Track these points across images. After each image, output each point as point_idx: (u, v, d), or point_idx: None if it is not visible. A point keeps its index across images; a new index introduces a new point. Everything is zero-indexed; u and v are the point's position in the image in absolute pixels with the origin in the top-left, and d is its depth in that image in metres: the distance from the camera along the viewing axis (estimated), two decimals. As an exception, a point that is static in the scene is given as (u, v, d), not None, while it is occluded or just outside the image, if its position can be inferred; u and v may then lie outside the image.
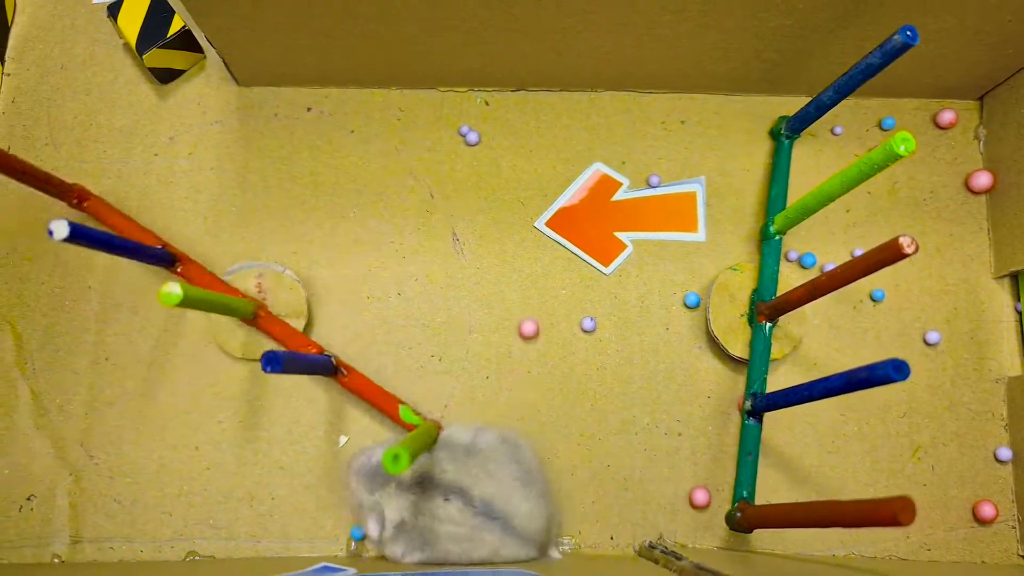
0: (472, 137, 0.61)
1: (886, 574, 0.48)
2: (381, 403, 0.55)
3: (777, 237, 0.56)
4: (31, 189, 0.60)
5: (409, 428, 0.54)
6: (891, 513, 0.34)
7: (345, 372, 0.55)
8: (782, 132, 0.59)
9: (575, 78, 0.61)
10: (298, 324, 0.56)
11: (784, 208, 0.57)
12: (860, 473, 0.56)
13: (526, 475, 0.51)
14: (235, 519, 0.55)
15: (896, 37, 0.45)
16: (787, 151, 0.59)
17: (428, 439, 0.50)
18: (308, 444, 0.56)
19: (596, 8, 0.53)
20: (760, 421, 0.55)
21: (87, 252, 0.59)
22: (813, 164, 0.62)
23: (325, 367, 0.53)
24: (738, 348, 0.56)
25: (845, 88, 0.51)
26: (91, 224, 0.57)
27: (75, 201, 0.55)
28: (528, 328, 0.57)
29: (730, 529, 0.54)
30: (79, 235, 0.43)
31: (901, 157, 0.42)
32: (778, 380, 0.58)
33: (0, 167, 0.48)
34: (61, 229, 0.42)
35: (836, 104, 0.54)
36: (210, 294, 0.46)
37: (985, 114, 0.62)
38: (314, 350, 0.55)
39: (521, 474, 0.51)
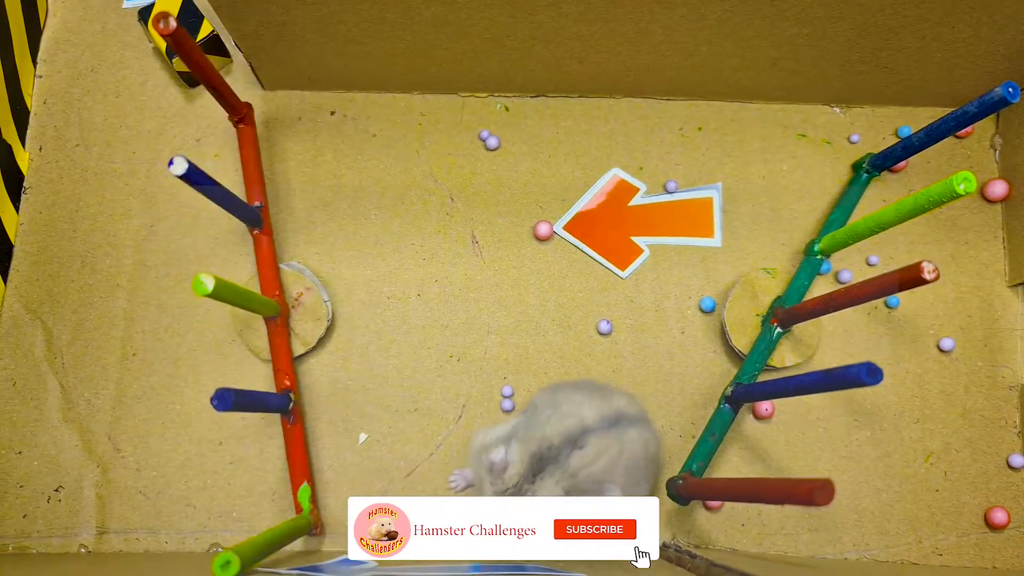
0: (492, 142, 0.62)
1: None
2: (294, 468, 0.55)
3: (819, 256, 0.57)
4: (61, 189, 0.61)
5: (297, 507, 0.54)
6: (808, 492, 0.36)
7: (292, 420, 0.55)
8: (864, 166, 0.60)
9: (594, 85, 0.62)
10: (299, 347, 0.57)
11: (839, 228, 0.57)
12: (873, 478, 0.57)
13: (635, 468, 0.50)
14: (257, 513, 0.56)
15: (997, 91, 0.46)
16: (863, 185, 0.60)
17: (279, 541, 0.47)
18: (329, 441, 0.57)
19: (616, 16, 0.54)
20: (735, 410, 0.55)
21: (116, 250, 0.60)
22: (830, 172, 0.62)
23: (278, 405, 0.53)
24: (742, 343, 0.57)
25: (937, 133, 0.51)
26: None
27: (236, 119, 0.57)
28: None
29: (668, 496, 0.54)
30: (192, 175, 0.45)
31: (959, 196, 0.42)
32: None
33: (204, 79, 0.50)
34: (180, 165, 0.44)
35: (925, 148, 0.54)
36: (240, 289, 0.47)
37: (1001, 124, 0.62)
38: (288, 382, 0.55)
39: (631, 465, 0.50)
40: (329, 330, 0.58)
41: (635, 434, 0.50)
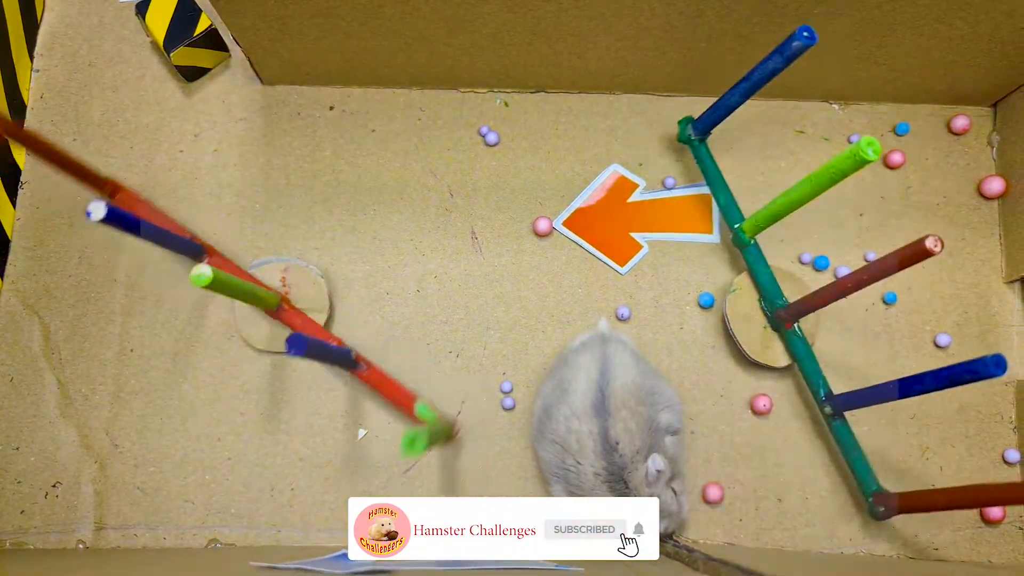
0: (491, 137, 0.62)
1: (895, 572, 0.49)
2: (398, 398, 0.56)
3: (752, 242, 0.56)
4: (58, 184, 0.61)
5: (423, 423, 0.55)
6: None
7: (364, 366, 0.56)
8: (691, 136, 0.58)
9: (594, 80, 0.62)
10: (320, 319, 0.57)
11: (738, 212, 0.57)
12: (870, 473, 0.57)
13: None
14: (256, 508, 0.56)
15: (796, 42, 0.45)
16: (706, 153, 0.58)
17: (445, 434, 0.50)
18: (328, 436, 0.57)
19: (615, 12, 0.54)
20: (844, 419, 0.54)
21: (113, 246, 0.60)
22: (827, 168, 0.62)
23: (345, 359, 0.54)
24: (777, 359, 0.57)
25: (750, 91, 0.51)
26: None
27: (108, 193, 0.56)
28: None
29: (877, 519, 0.53)
30: (115, 217, 0.44)
31: (868, 162, 0.41)
32: (789, 380, 0.58)
33: (40, 154, 0.49)
34: (99, 211, 0.43)
35: (740, 105, 0.53)
36: (239, 280, 0.47)
37: (998, 120, 0.63)
38: (335, 343, 0.56)
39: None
40: (327, 324, 0.58)
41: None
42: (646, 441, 0.50)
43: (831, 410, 0.54)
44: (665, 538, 0.53)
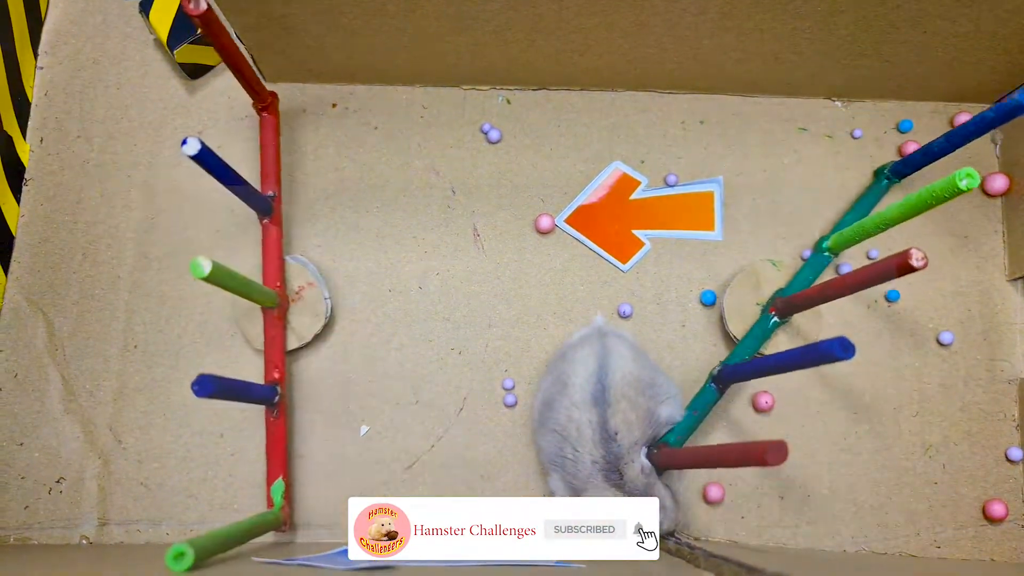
0: (494, 135, 0.62)
1: (896, 570, 0.49)
2: (271, 462, 0.54)
3: (827, 254, 0.57)
4: (62, 181, 0.61)
5: (269, 501, 0.54)
6: (762, 453, 0.37)
7: (276, 414, 0.54)
8: (885, 173, 0.59)
9: (596, 78, 0.62)
10: (294, 342, 0.57)
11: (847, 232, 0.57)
12: (872, 471, 0.57)
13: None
14: (258, 504, 0.56)
15: (1016, 97, 0.46)
16: (882, 191, 0.60)
17: (245, 534, 0.47)
18: (330, 433, 0.57)
19: (617, 9, 0.54)
20: (720, 391, 0.55)
21: (117, 242, 0.60)
22: (831, 163, 0.62)
23: (262, 397, 0.52)
24: (739, 329, 0.57)
25: (957, 139, 0.52)
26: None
27: (261, 106, 0.57)
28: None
29: (649, 461, 0.53)
30: (205, 156, 0.45)
31: (962, 192, 0.42)
32: (792, 378, 0.58)
33: (231, 63, 0.51)
34: (193, 145, 0.44)
35: (946, 154, 0.54)
36: (238, 276, 0.47)
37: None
38: (277, 374, 0.55)
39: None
40: (328, 326, 0.58)
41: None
42: (645, 432, 0.50)
43: (717, 374, 0.55)
44: (667, 535, 0.53)
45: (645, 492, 0.50)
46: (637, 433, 0.50)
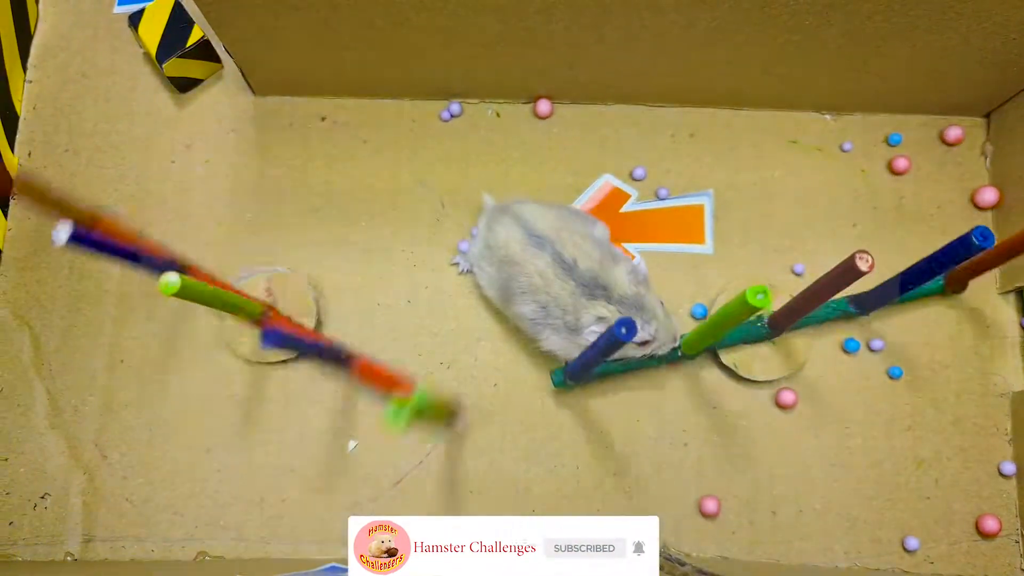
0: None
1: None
2: (395, 386, 0.51)
3: (695, 355, 0.56)
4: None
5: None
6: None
7: (355, 360, 0.52)
8: (850, 308, 0.57)
9: (585, 91, 0.62)
10: (308, 323, 0.57)
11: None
12: (864, 486, 0.57)
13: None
14: (245, 521, 0.56)
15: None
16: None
17: (442, 413, 0.48)
18: (318, 448, 0.57)
19: (607, 22, 0.54)
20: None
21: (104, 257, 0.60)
22: (821, 178, 0.62)
23: (332, 352, 0.51)
24: (754, 371, 0.57)
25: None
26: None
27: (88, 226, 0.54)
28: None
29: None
30: (80, 239, 0.43)
31: (757, 309, 0.42)
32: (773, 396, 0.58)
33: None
34: (62, 233, 0.42)
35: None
36: (212, 289, 0.46)
37: (992, 130, 0.63)
38: (325, 342, 0.54)
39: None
40: (317, 329, 0.58)
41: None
42: (603, 251, 0.52)
43: (870, 309, 0.56)
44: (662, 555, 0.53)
45: (636, 301, 0.50)
46: (596, 253, 0.51)
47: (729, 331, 0.49)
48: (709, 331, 0.51)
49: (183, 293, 0.42)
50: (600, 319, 0.50)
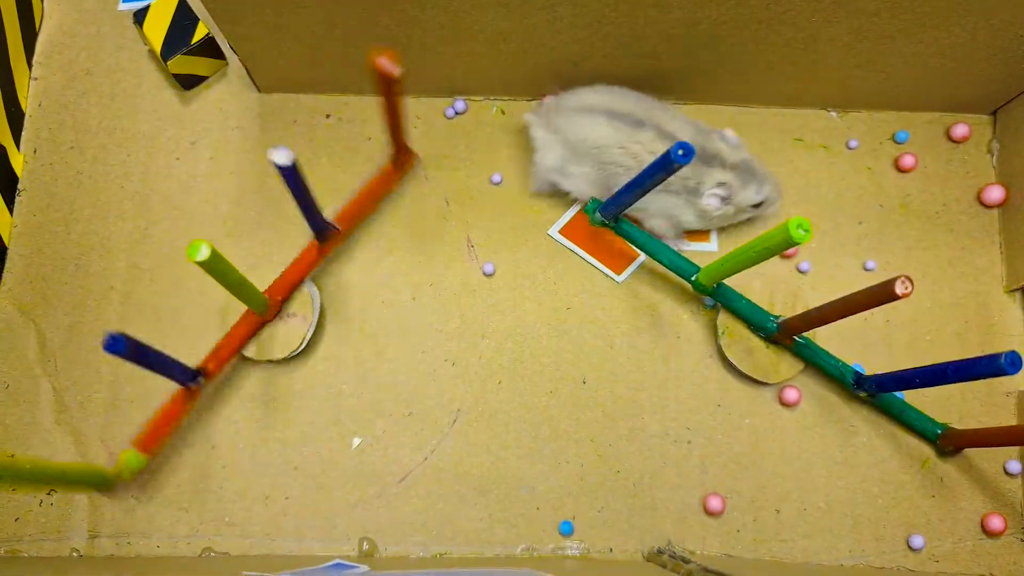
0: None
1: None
2: (158, 427, 0.53)
3: (715, 287, 0.55)
4: (55, 192, 0.61)
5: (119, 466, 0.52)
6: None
7: (190, 398, 0.53)
8: (592, 212, 0.56)
9: (590, 88, 0.62)
10: (251, 352, 0.56)
11: (689, 264, 0.56)
12: (869, 484, 0.57)
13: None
14: (250, 517, 0.56)
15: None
16: (628, 227, 0.57)
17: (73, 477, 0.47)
18: (322, 445, 0.57)
19: (611, 20, 0.54)
20: (879, 396, 0.55)
21: (110, 253, 0.60)
22: (826, 176, 0.62)
23: (180, 375, 0.51)
24: (788, 371, 0.57)
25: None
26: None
27: (401, 161, 0.58)
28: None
29: (944, 457, 0.56)
30: (289, 173, 0.44)
31: (797, 244, 0.42)
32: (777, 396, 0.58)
33: (393, 125, 0.51)
34: (285, 156, 0.43)
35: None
36: (235, 270, 0.46)
37: (998, 128, 0.62)
38: (211, 367, 0.54)
39: None
40: (322, 331, 0.58)
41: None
42: (691, 123, 0.54)
43: (867, 393, 0.55)
44: (660, 551, 0.53)
45: (747, 166, 0.54)
46: (687, 127, 0.54)
47: (754, 261, 0.47)
48: (737, 258, 0.48)
49: (208, 264, 0.43)
50: (720, 183, 0.53)
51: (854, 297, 0.45)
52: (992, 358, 0.40)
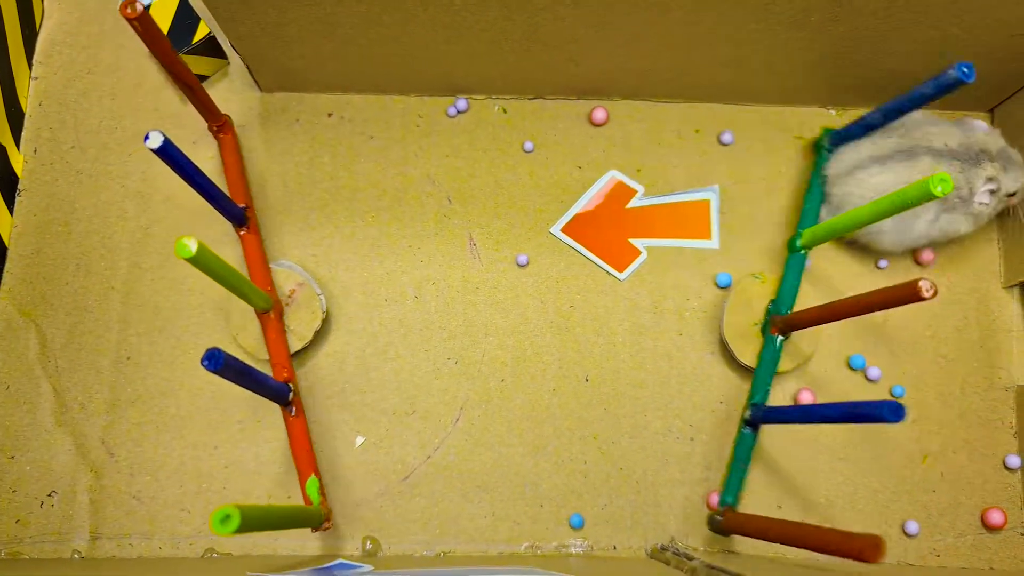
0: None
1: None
2: (299, 460, 0.54)
3: (802, 251, 0.57)
4: (55, 192, 0.61)
5: (306, 499, 0.53)
6: (858, 549, 0.36)
7: (294, 411, 0.54)
8: (824, 145, 0.60)
9: (591, 87, 0.62)
10: (296, 343, 0.56)
11: (815, 221, 0.58)
12: (870, 480, 0.57)
13: None
14: (253, 517, 0.56)
15: (951, 72, 0.48)
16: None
17: (288, 521, 0.46)
18: (325, 445, 0.57)
19: (612, 20, 0.54)
20: (756, 432, 0.55)
21: (111, 253, 0.60)
22: (825, 174, 0.63)
23: (276, 391, 0.51)
24: (747, 356, 0.57)
25: (892, 114, 0.54)
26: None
27: (216, 127, 0.58)
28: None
29: (711, 531, 0.55)
30: (168, 152, 0.43)
31: (936, 197, 0.43)
32: (785, 390, 0.58)
33: (174, 73, 0.49)
34: (156, 139, 0.42)
35: (882, 126, 0.56)
36: (225, 264, 0.45)
37: (995, 126, 0.63)
38: (285, 374, 0.54)
39: None
40: (324, 329, 0.58)
41: None
42: (950, 125, 0.57)
43: (750, 417, 0.55)
44: (664, 547, 0.53)
45: (1005, 154, 0.55)
46: (952, 131, 0.56)
47: (880, 216, 0.47)
48: (870, 214, 0.48)
49: (198, 260, 0.41)
50: (989, 179, 0.54)
51: (873, 295, 0.45)
52: (876, 405, 0.40)
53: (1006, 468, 0.57)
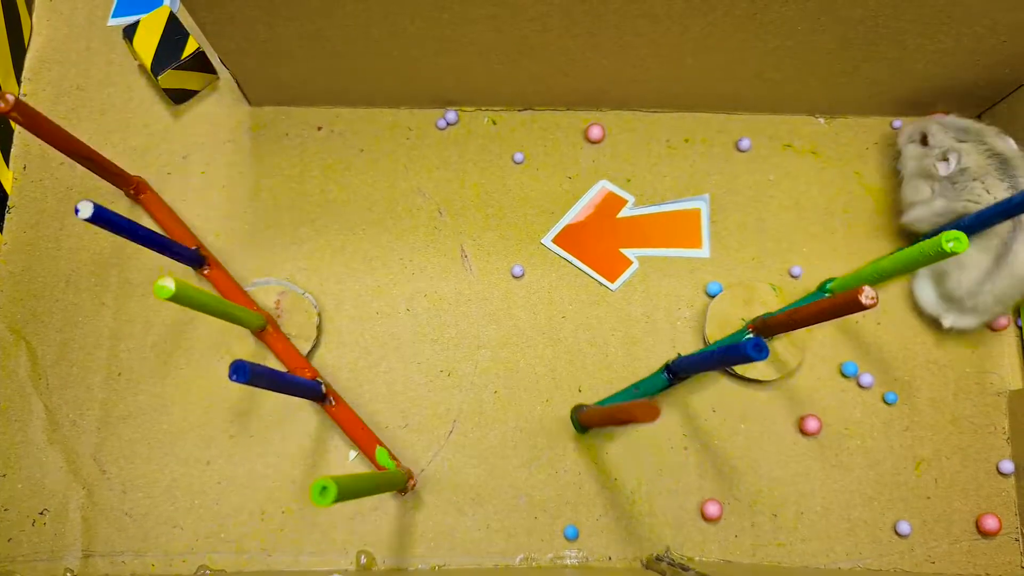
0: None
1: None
2: (361, 439, 0.55)
3: (828, 293, 0.58)
4: (45, 209, 0.61)
5: (381, 469, 0.54)
6: (634, 415, 0.40)
7: (332, 401, 0.55)
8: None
9: (581, 97, 0.62)
10: (304, 347, 0.57)
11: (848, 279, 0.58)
12: (864, 487, 0.57)
13: None
14: (246, 533, 0.55)
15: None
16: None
17: (378, 486, 0.46)
18: (318, 459, 0.57)
19: (601, 30, 0.54)
20: (669, 381, 0.56)
21: (101, 269, 0.60)
22: (815, 180, 0.63)
23: (312, 392, 0.52)
24: (713, 335, 0.57)
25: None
26: (143, 217, 0.61)
27: (132, 191, 0.58)
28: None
29: (571, 420, 0.57)
30: (102, 218, 0.43)
31: (948, 255, 0.43)
32: (773, 399, 0.58)
33: (68, 151, 0.49)
34: (86, 209, 0.42)
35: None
36: (208, 295, 0.45)
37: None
38: (309, 374, 0.55)
39: None
40: (313, 350, 0.58)
41: None
42: (985, 134, 0.56)
43: (672, 364, 0.56)
44: (659, 558, 0.53)
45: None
46: (1000, 144, 0.56)
47: (900, 271, 0.49)
48: (891, 267, 0.50)
49: (177, 298, 0.41)
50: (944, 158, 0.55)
51: (823, 303, 0.47)
52: (740, 345, 0.42)
53: (1000, 473, 0.57)
